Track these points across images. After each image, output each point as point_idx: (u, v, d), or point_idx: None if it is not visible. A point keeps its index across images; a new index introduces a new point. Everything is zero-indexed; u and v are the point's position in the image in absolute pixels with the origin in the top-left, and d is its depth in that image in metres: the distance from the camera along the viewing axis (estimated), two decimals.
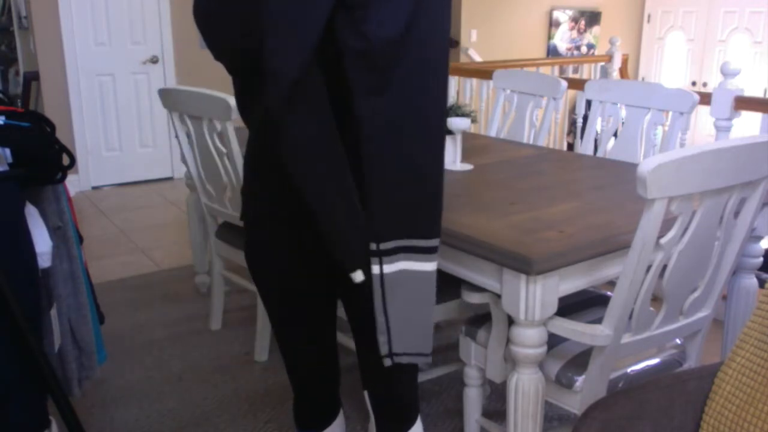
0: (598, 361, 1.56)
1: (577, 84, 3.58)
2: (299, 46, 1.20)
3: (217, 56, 1.41)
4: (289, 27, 1.19)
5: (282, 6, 1.19)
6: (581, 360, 1.64)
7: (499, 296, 1.59)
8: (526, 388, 1.59)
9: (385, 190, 1.30)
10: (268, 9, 1.19)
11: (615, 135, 2.75)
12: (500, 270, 1.55)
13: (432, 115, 1.32)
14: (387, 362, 1.40)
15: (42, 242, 1.69)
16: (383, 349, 1.39)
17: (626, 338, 1.55)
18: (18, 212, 1.60)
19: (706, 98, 2.92)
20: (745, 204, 1.59)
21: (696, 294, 1.64)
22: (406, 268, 1.34)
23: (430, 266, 1.36)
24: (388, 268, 1.33)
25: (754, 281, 2.21)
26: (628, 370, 1.69)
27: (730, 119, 2.95)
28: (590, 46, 7.37)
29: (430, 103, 1.31)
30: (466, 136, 2.78)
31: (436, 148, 1.34)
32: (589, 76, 5.43)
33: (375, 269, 1.33)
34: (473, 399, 1.95)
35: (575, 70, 6.06)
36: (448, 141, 2.28)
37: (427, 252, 1.35)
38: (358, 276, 1.33)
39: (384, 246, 1.31)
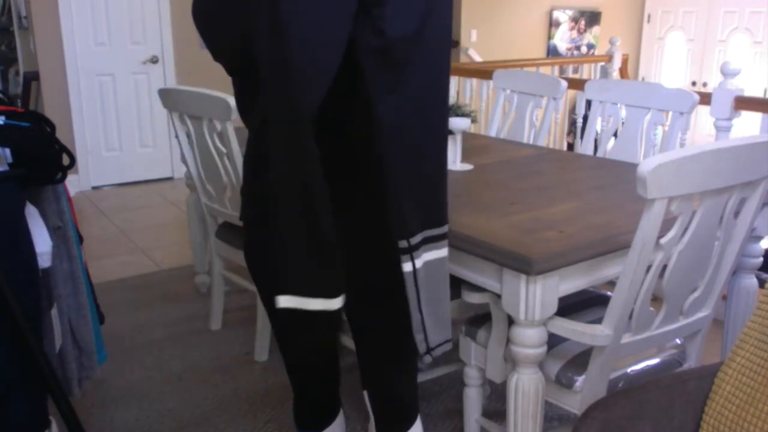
0: (598, 361, 1.56)
1: (577, 84, 3.58)
2: (329, 50, 1.20)
3: (217, 56, 1.42)
4: (314, 31, 1.19)
5: (303, 7, 1.18)
6: (581, 360, 1.64)
7: (499, 296, 1.59)
8: (526, 388, 1.59)
9: (407, 186, 1.31)
10: (285, 10, 1.18)
11: (615, 135, 2.75)
12: (500, 270, 1.55)
13: (439, 110, 1.35)
14: (428, 359, 1.41)
15: (42, 242, 1.69)
16: (421, 348, 1.40)
17: (626, 338, 1.56)
18: (18, 212, 1.60)
19: (706, 98, 2.92)
20: (745, 204, 1.59)
21: (696, 294, 1.64)
22: (428, 258, 1.36)
23: (444, 252, 1.38)
24: (418, 263, 1.33)
25: (754, 281, 2.21)
26: (628, 370, 1.69)
27: (730, 119, 2.95)
28: (590, 46, 7.37)
29: (439, 98, 1.34)
30: (466, 136, 2.78)
31: (442, 140, 1.37)
32: (589, 76, 5.43)
33: (407, 267, 1.32)
34: (473, 399, 1.95)
35: (575, 70, 6.06)
36: (449, 141, 2.28)
37: (442, 239, 1.37)
38: (280, 302, 1.30)
39: (413, 241, 1.32)
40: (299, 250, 1.29)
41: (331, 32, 1.19)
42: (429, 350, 1.41)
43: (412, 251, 1.32)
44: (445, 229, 1.38)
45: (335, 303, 1.31)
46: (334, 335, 1.72)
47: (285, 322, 1.65)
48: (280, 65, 1.20)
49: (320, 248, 1.28)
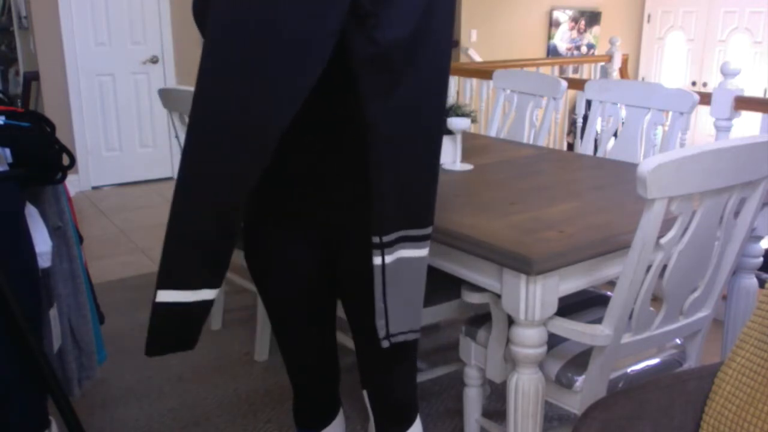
0: (598, 361, 1.56)
1: (577, 84, 3.58)
2: (311, 63, 1.18)
3: None
4: (299, 42, 1.17)
5: (292, 15, 1.17)
6: (581, 360, 1.64)
7: (499, 296, 1.59)
8: (526, 388, 1.59)
9: (393, 190, 1.31)
10: (276, 12, 1.16)
11: (615, 135, 2.75)
12: (500, 270, 1.55)
13: (436, 114, 1.34)
14: (385, 344, 1.42)
15: (42, 242, 1.69)
16: (381, 333, 1.41)
17: (626, 338, 1.56)
18: (18, 212, 1.60)
19: (706, 98, 2.92)
20: (745, 204, 1.59)
21: (696, 294, 1.64)
22: (403, 255, 1.36)
23: (423, 252, 1.39)
24: (388, 259, 1.34)
25: (754, 281, 2.21)
26: (628, 370, 1.69)
27: (730, 119, 2.95)
28: (590, 46, 7.37)
29: (435, 102, 1.33)
30: (466, 136, 2.78)
31: (437, 144, 1.36)
32: (589, 76, 5.43)
33: (377, 260, 1.34)
34: (473, 399, 1.95)
35: (575, 70, 6.06)
36: (448, 141, 2.28)
37: (423, 240, 1.37)
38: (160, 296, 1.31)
39: (386, 239, 1.33)
40: (200, 246, 1.29)
41: (318, 40, 1.18)
42: (388, 336, 1.42)
43: (383, 247, 1.33)
44: (428, 230, 1.38)
45: (212, 293, 1.32)
46: (333, 335, 1.72)
47: (279, 321, 1.66)
48: (256, 68, 1.18)
49: (223, 243, 1.29)
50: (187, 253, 1.29)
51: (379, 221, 1.32)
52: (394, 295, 1.39)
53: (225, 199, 1.25)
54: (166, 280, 1.30)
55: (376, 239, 1.33)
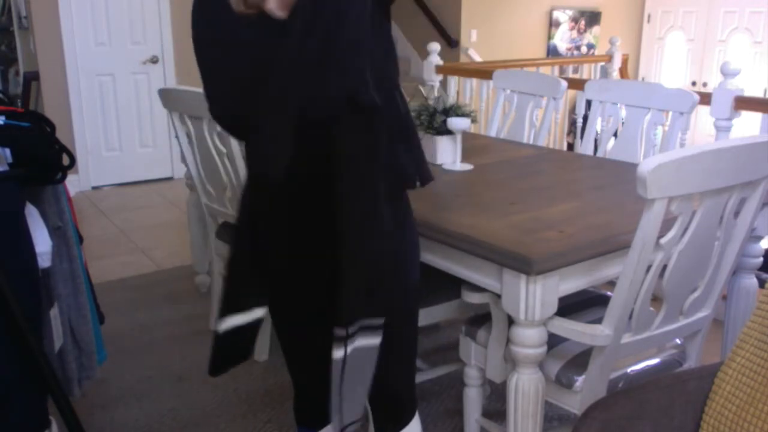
0: (598, 361, 1.56)
1: (577, 84, 3.58)
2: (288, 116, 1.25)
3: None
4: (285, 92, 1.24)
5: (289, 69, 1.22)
6: (581, 360, 1.64)
7: (499, 296, 1.59)
8: (526, 388, 1.59)
9: (360, 276, 1.32)
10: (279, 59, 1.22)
11: (615, 135, 2.76)
12: (500, 270, 1.55)
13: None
14: None
15: (42, 242, 1.69)
16: (335, 429, 1.43)
17: (626, 338, 1.56)
18: (18, 212, 1.60)
19: (706, 98, 2.92)
20: (745, 204, 1.59)
21: (696, 294, 1.64)
22: (360, 345, 1.37)
23: (377, 341, 1.39)
24: (349, 350, 1.35)
25: (754, 281, 2.21)
26: (628, 370, 1.69)
27: (730, 119, 2.95)
28: (590, 46, 7.37)
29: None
30: (466, 136, 2.78)
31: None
32: (589, 76, 5.43)
33: (338, 354, 1.35)
34: (473, 399, 1.95)
35: (575, 70, 6.05)
36: (449, 141, 2.29)
37: (378, 329, 1.38)
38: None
39: (351, 330, 1.33)
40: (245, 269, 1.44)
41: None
42: (342, 430, 1.45)
43: (347, 339, 1.34)
44: (382, 320, 1.39)
45: (263, 311, 1.49)
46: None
47: (280, 320, 1.66)
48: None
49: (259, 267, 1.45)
50: (238, 276, 1.46)
51: (345, 311, 1.32)
52: (349, 386, 1.40)
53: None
54: (227, 307, 1.49)
55: (341, 332, 1.34)
